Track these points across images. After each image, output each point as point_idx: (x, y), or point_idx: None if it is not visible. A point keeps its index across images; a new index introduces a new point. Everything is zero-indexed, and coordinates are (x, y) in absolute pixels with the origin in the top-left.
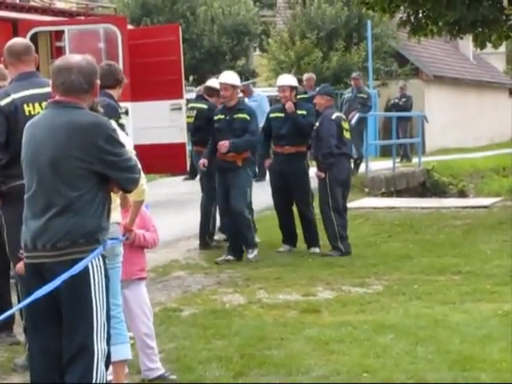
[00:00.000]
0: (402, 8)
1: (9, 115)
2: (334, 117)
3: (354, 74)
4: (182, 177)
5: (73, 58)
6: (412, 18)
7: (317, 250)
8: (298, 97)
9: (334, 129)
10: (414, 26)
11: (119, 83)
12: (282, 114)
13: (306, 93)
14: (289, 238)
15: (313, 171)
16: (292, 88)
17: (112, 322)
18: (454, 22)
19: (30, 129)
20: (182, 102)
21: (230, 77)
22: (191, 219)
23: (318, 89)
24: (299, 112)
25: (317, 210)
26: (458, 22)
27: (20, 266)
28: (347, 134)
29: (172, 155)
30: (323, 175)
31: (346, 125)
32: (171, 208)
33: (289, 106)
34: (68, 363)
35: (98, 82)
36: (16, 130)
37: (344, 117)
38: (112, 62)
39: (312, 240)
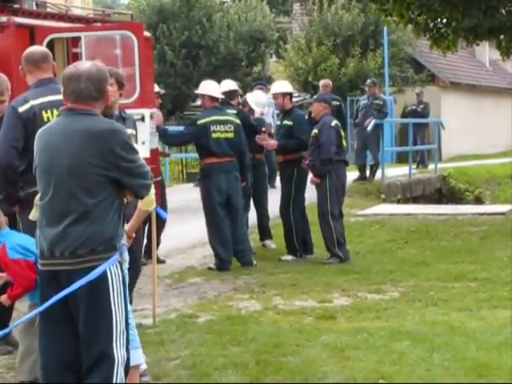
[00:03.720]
0: (420, 17)
1: (27, 122)
2: (333, 124)
3: (369, 82)
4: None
5: (83, 65)
6: (431, 25)
7: (288, 257)
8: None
9: (334, 136)
10: (434, 34)
11: (122, 88)
12: (279, 122)
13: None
14: (304, 245)
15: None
16: (285, 95)
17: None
18: (470, 28)
19: (44, 136)
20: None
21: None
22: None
23: (314, 96)
24: (286, 122)
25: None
26: (475, 29)
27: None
28: (344, 142)
29: (151, 160)
30: (318, 181)
31: (342, 133)
32: (187, 214)
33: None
34: (88, 370)
35: (109, 88)
36: (34, 136)
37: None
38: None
39: (287, 246)
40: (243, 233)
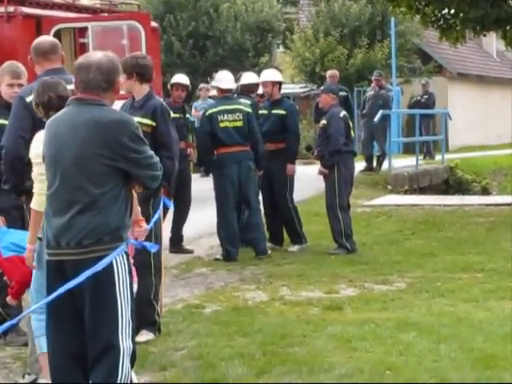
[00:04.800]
0: (428, 8)
1: (35, 112)
2: (341, 115)
3: (376, 75)
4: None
5: (94, 55)
6: (439, 16)
7: (295, 248)
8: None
9: (342, 127)
10: (441, 25)
11: (142, 80)
12: (266, 111)
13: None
14: (274, 236)
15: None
16: (274, 83)
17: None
18: (477, 19)
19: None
20: None
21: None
22: (213, 216)
23: (321, 87)
24: (277, 111)
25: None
26: (482, 20)
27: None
28: (352, 132)
29: None
30: (326, 172)
31: (351, 123)
32: (193, 205)
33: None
34: (94, 361)
35: (120, 79)
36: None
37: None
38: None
39: (291, 236)
40: (257, 221)
